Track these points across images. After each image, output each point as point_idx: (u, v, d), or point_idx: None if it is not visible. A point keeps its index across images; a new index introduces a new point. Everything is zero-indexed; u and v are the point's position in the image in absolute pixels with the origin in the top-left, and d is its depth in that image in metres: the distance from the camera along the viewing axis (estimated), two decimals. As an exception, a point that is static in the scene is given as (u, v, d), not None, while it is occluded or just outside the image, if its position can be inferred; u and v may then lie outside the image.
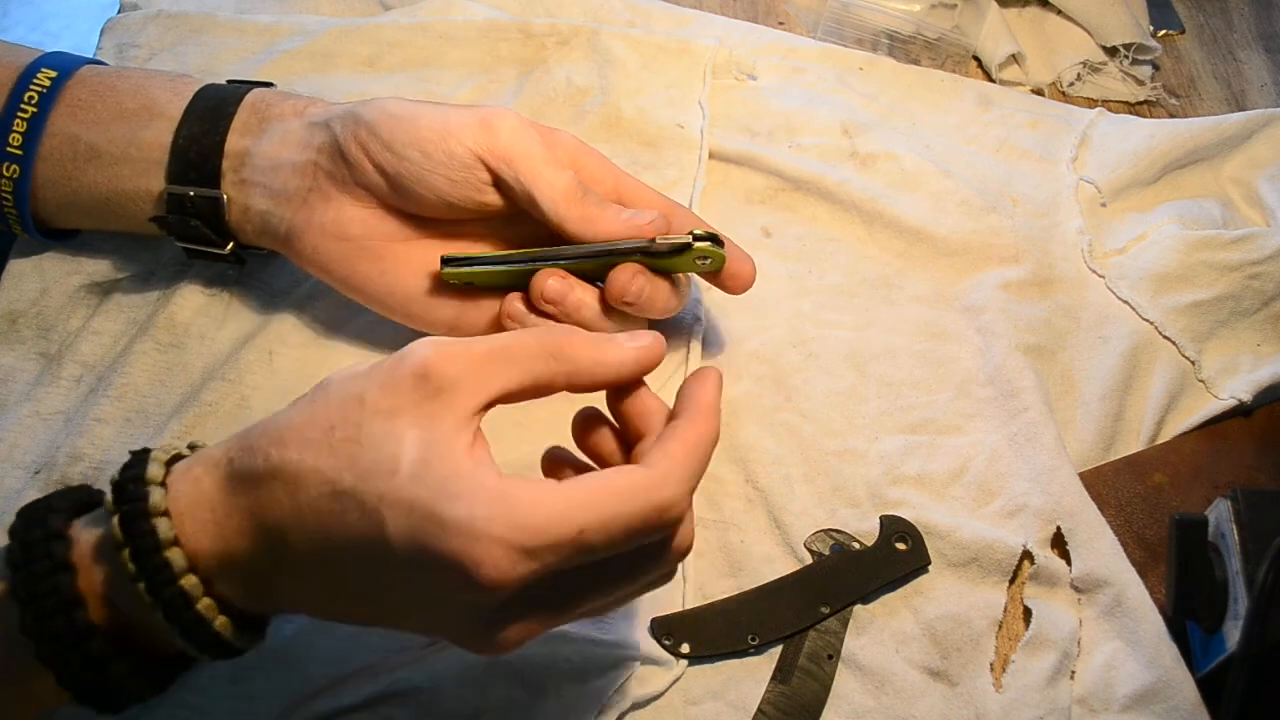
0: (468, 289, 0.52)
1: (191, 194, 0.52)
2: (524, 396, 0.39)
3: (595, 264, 0.51)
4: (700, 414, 0.40)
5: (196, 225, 0.53)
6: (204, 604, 0.38)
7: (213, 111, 0.52)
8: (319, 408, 0.38)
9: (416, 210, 0.52)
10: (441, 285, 0.52)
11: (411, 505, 0.35)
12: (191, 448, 0.42)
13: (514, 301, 0.52)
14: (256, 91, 0.54)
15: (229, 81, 0.55)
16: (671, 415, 0.41)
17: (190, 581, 0.38)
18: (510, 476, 0.36)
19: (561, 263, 0.51)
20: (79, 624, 0.38)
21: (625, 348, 0.41)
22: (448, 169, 0.50)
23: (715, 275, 0.53)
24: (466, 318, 0.53)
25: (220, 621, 0.39)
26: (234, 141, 0.52)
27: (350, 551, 0.37)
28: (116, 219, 0.55)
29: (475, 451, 0.37)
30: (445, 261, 0.50)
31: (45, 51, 0.54)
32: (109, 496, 0.39)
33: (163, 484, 0.39)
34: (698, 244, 0.50)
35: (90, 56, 0.56)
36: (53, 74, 0.53)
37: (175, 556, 0.38)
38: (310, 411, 0.38)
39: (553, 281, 0.51)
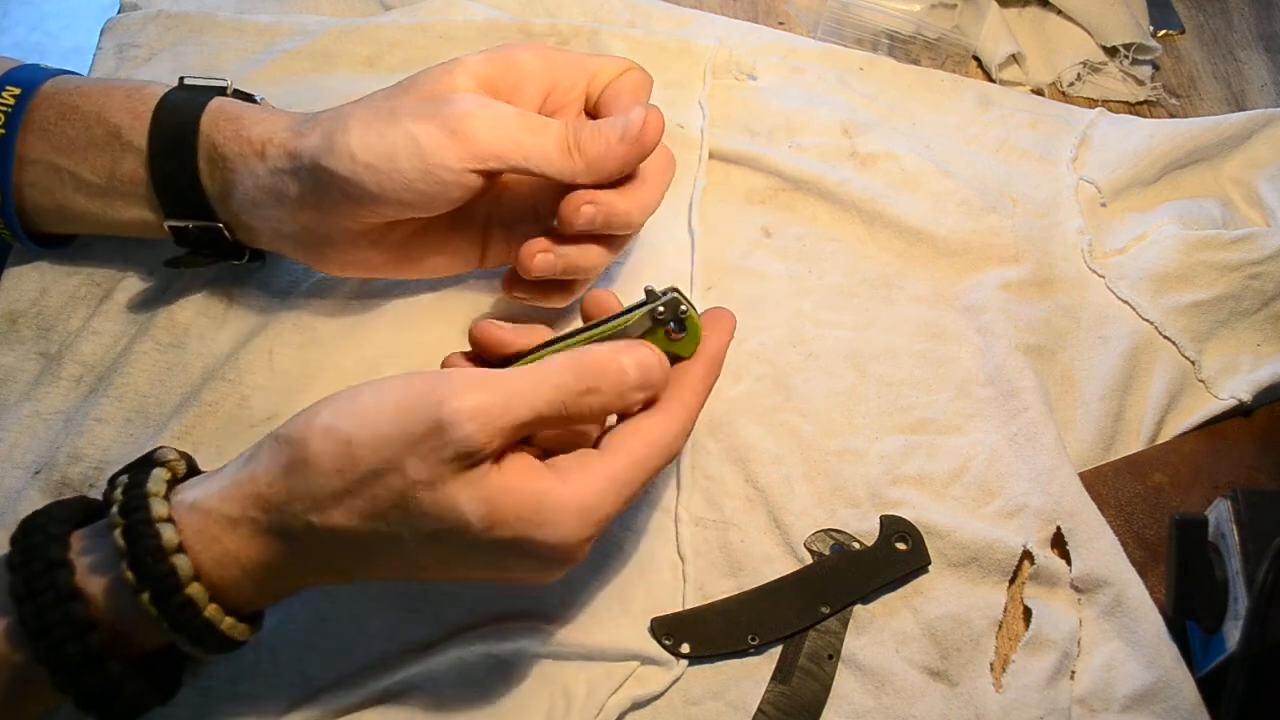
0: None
1: (190, 226, 0.52)
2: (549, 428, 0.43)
3: (608, 329, 0.47)
4: (713, 359, 0.45)
5: (209, 254, 0.53)
6: (227, 623, 0.40)
7: (175, 147, 0.50)
8: (350, 476, 0.39)
9: (418, 221, 0.51)
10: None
11: (497, 545, 0.40)
12: (164, 463, 0.42)
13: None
14: (209, 118, 0.50)
15: (181, 81, 0.52)
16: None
17: (213, 610, 0.39)
18: (566, 472, 0.41)
19: (579, 338, 0.47)
20: (93, 649, 0.38)
21: (636, 393, 0.43)
22: (441, 191, 0.48)
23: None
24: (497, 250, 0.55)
25: (228, 623, 0.40)
26: (206, 183, 0.50)
27: (425, 565, 0.41)
28: (120, 232, 0.55)
29: (512, 466, 0.40)
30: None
31: (7, 66, 0.53)
32: (119, 537, 0.38)
33: (169, 519, 0.39)
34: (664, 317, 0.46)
35: (53, 69, 0.54)
36: (16, 91, 0.51)
37: (197, 593, 0.39)
38: (342, 480, 0.39)
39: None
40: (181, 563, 0.38)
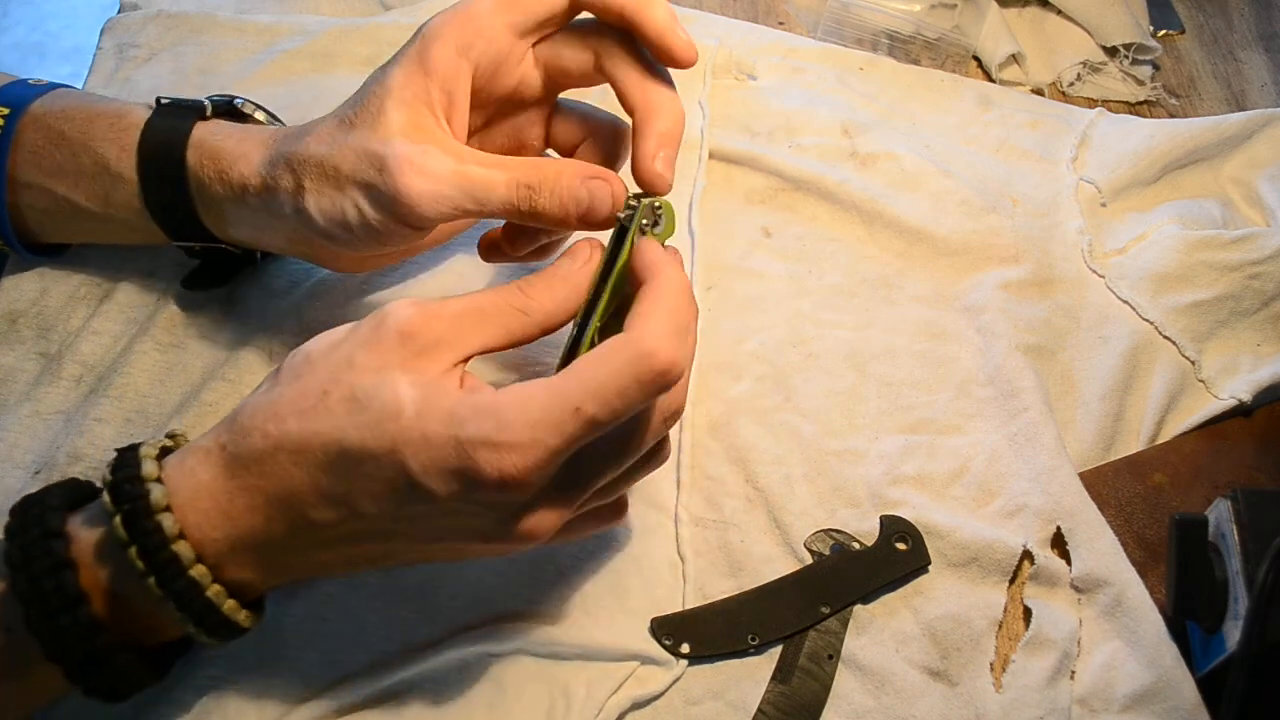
0: None
1: (197, 247, 0.53)
2: (500, 349, 0.42)
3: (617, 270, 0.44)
4: (655, 270, 0.41)
5: (225, 270, 0.54)
6: (214, 590, 0.40)
7: (167, 180, 0.50)
8: (306, 379, 0.39)
9: None
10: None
11: (425, 438, 0.37)
12: (170, 436, 0.43)
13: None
14: (193, 153, 0.49)
15: (158, 103, 0.51)
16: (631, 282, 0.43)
17: (200, 571, 0.39)
18: (506, 387, 0.38)
19: (604, 294, 0.44)
20: (84, 620, 0.38)
21: (577, 281, 0.42)
22: (406, 241, 0.47)
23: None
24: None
25: (229, 605, 0.40)
26: (202, 214, 0.50)
27: (369, 497, 0.39)
28: (121, 243, 0.56)
29: (468, 382, 0.40)
30: None
31: None
32: (106, 498, 0.39)
33: (159, 480, 0.39)
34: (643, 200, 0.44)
35: (42, 85, 0.53)
36: (5, 111, 0.51)
37: (183, 549, 0.39)
38: (298, 384, 0.39)
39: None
40: (167, 520, 0.38)
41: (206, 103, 0.52)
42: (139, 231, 0.52)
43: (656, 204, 0.44)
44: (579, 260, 0.43)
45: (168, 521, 0.38)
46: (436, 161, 0.44)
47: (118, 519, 0.38)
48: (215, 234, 0.51)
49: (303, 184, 0.46)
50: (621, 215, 0.44)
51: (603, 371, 0.37)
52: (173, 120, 0.50)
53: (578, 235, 0.47)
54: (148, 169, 0.50)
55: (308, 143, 0.46)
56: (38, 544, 0.39)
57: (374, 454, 0.38)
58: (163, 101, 0.52)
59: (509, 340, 0.41)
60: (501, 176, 0.44)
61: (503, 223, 0.52)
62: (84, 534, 0.40)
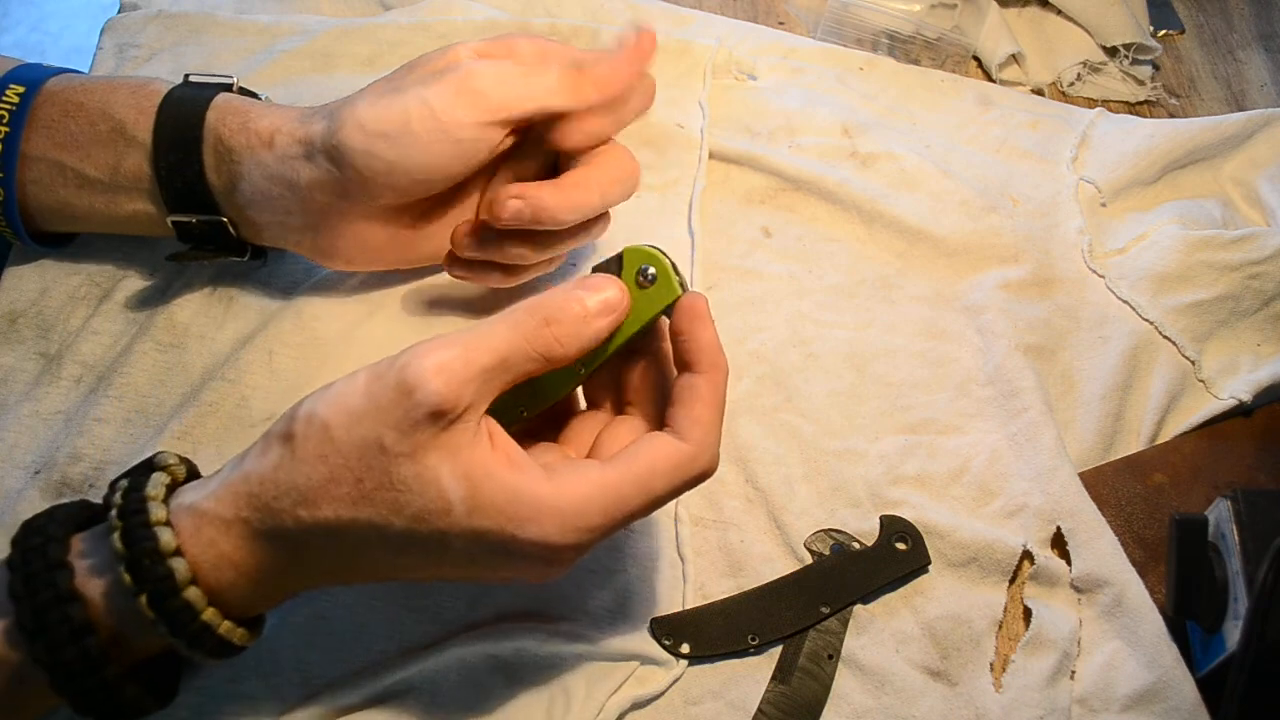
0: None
1: (195, 221, 0.52)
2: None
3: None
4: (713, 364, 0.42)
5: (212, 249, 0.53)
6: (225, 627, 0.39)
7: (180, 141, 0.50)
8: (333, 461, 0.38)
9: (435, 194, 0.51)
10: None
11: (477, 535, 0.38)
12: (183, 461, 0.42)
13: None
14: (214, 112, 0.50)
15: (186, 78, 0.53)
16: (677, 362, 0.43)
17: (195, 596, 0.39)
18: (556, 472, 0.39)
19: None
20: (93, 653, 0.38)
21: (597, 320, 0.41)
22: (457, 151, 0.48)
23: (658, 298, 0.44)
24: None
25: (225, 627, 0.40)
26: (212, 177, 0.50)
27: (411, 563, 0.40)
28: (123, 229, 0.55)
29: (499, 453, 0.39)
30: None
31: (9, 65, 0.53)
32: (115, 540, 0.38)
33: (178, 553, 0.38)
34: (625, 249, 0.44)
35: (55, 67, 0.54)
36: (20, 89, 0.51)
37: (195, 597, 0.39)
38: (324, 466, 0.38)
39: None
40: (179, 565, 0.38)
41: (235, 79, 0.53)
42: (140, 203, 0.52)
43: (651, 269, 0.43)
44: (609, 314, 0.42)
45: (179, 566, 0.38)
46: (502, 61, 0.48)
47: (124, 569, 0.38)
48: (216, 199, 0.51)
49: (354, 103, 0.48)
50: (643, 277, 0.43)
51: (663, 485, 0.40)
52: (198, 89, 0.52)
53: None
54: (163, 129, 0.50)
55: (354, 98, 0.49)
56: (40, 577, 0.38)
57: (421, 540, 0.39)
58: (191, 78, 0.53)
59: (524, 379, 0.41)
60: (555, 63, 0.48)
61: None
62: (87, 565, 0.39)
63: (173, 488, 0.41)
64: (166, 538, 0.38)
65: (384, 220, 0.51)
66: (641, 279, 0.43)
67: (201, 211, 0.51)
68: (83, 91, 0.52)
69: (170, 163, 0.50)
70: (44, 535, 0.39)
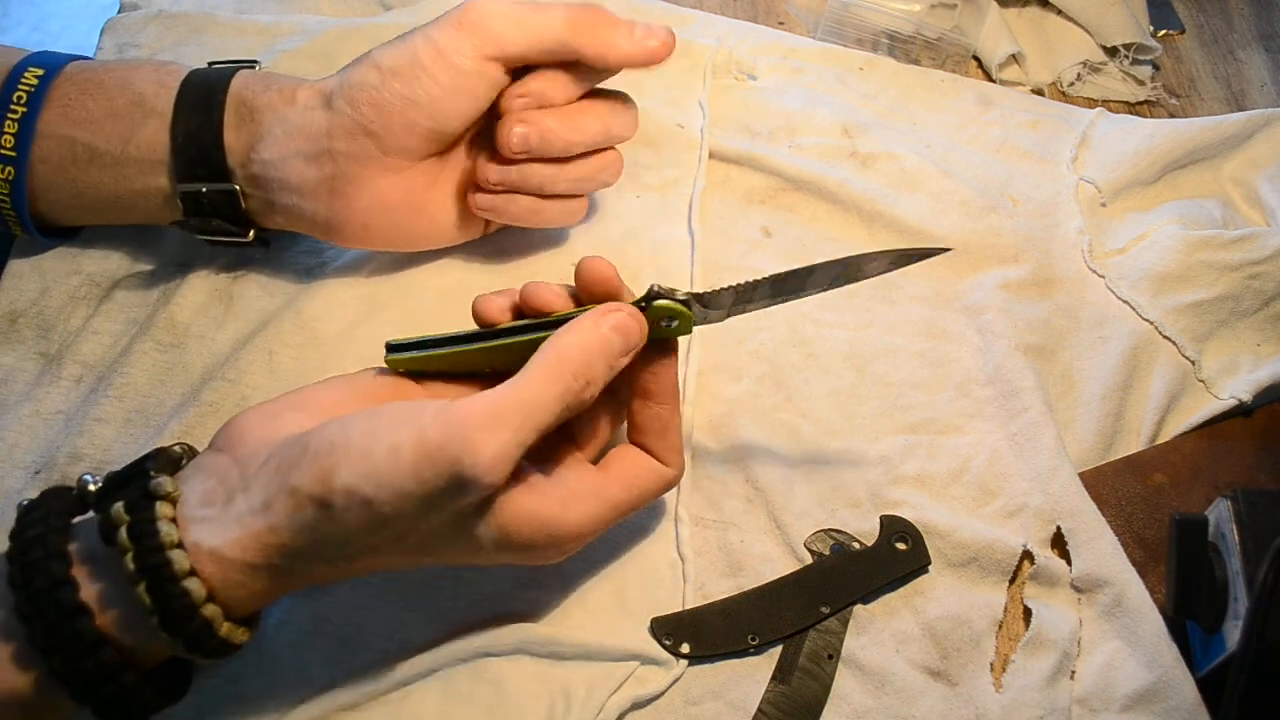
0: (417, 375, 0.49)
1: (204, 190, 0.52)
2: None
3: (530, 338, 0.45)
4: (675, 396, 0.47)
5: (218, 223, 0.53)
6: (226, 629, 0.40)
7: (202, 104, 0.52)
8: (378, 530, 0.40)
9: (445, 143, 0.53)
10: (466, 213, 0.55)
11: (499, 555, 0.43)
12: (185, 451, 0.42)
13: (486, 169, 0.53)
14: (240, 78, 0.52)
15: (211, 64, 0.55)
16: (637, 390, 0.46)
17: (201, 599, 0.39)
18: (568, 490, 0.43)
19: (504, 340, 0.46)
20: (107, 663, 0.38)
21: (623, 354, 0.43)
22: (464, 86, 0.50)
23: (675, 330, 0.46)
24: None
25: (226, 628, 0.40)
26: (231, 138, 0.51)
27: (424, 559, 0.43)
28: (126, 215, 0.55)
29: (521, 483, 0.42)
30: (390, 349, 0.47)
31: (31, 51, 0.54)
32: (130, 563, 0.38)
33: (180, 545, 0.38)
34: (656, 303, 0.44)
35: (76, 54, 0.55)
36: (40, 72, 0.52)
37: (194, 587, 0.39)
38: (370, 534, 0.40)
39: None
40: (194, 586, 0.38)
41: (260, 62, 0.56)
42: (150, 176, 0.52)
43: (673, 319, 0.45)
44: (628, 356, 0.44)
45: (194, 586, 0.38)
46: (508, 1, 0.51)
47: (147, 594, 0.38)
48: (230, 165, 0.51)
49: (369, 51, 0.51)
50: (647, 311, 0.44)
51: (647, 499, 0.46)
52: (223, 68, 0.54)
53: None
54: (186, 97, 0.52)
55: (369, 51, 0.52)
56: (45, 595, 0.38)
57: (444, 561, 0.43)
58: (214, 65, 0.55)
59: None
60: (562, 6, 0.51)
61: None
62: (90, 576, 0.39)
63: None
64: (197, 592, 0.38)
65: (398, 175, 0.52)
66: (663, 324, 0.45)
67: (212, 180, 0.52)
68: (103, 70, 0.53)
69: (189, 127, 0.51)
70: (43, 549, 0.39)
